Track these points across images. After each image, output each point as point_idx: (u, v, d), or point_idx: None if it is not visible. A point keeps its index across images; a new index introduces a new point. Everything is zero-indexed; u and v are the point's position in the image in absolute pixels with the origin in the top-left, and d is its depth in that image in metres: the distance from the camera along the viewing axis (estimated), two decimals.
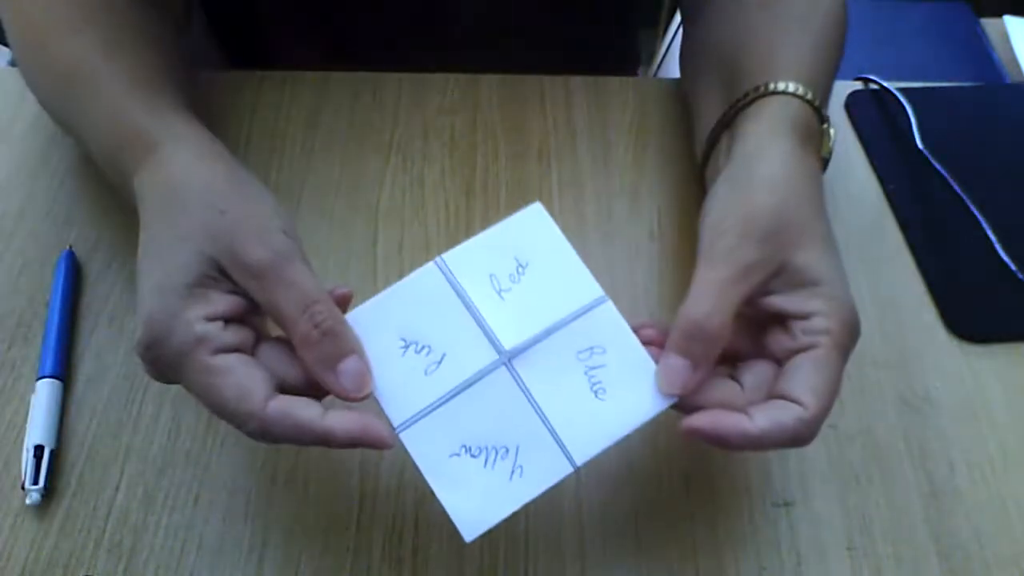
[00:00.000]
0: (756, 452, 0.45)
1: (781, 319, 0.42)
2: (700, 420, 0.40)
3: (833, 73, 0.56)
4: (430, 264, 0.42)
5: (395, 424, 0.40)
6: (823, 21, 0.55)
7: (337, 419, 0.39)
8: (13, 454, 0.47)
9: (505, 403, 0.40)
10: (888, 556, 0.46)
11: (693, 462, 0.49)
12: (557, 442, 0.40)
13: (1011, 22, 1.20)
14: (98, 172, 0.59)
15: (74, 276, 0.54)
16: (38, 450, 0.46)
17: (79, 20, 0.51)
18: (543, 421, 0.40)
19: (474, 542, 0.45)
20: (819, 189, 0.45)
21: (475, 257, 0.42)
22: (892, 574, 0.45)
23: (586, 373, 0.41)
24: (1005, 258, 0.57)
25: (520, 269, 0.43)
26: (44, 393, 0.48)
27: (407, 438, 0.40)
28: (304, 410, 0.39)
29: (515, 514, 0.46)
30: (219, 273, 0.40)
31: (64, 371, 0.50)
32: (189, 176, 0.43)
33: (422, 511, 0.46)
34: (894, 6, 1.24)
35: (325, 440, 0.39)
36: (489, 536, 0.46)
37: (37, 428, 0.47)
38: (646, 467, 0.48)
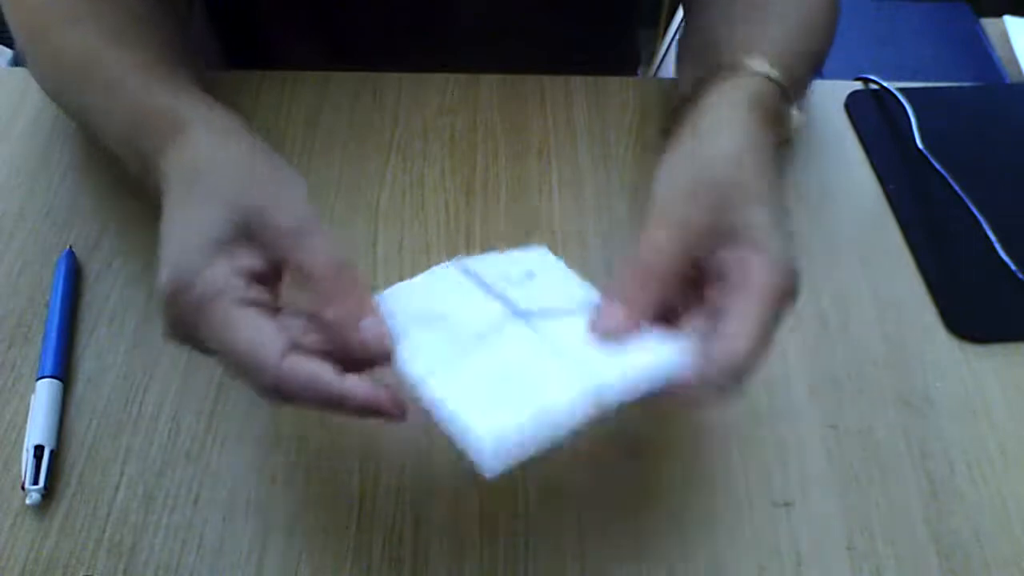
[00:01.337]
0: (698, 403, 0.45)
1: (721, 275, 0.42)
2: None
3: (814, 58, 0.57)
4: (447, 264, 0.44)
5: (418, 375, 0.40)
6: (808, 6, 0.56)
7: (355, 382, 0.38)
8: (13, 454, 0.47)
9: (525, 351, 0.40)
10: (888, 556, 0.46)
11: (693, 462, 0.49)
12: (581, 381, 0.39)
13: (1011, 22, 1.21)
14: (98, 171, 0.59)
15: (74, 276, 0.54)
16: (38, 450, 0.46)
17: (82, 10, 0.51)
18: (566, 364, 0.40)
19: (474, 542, 0.45)
20: (771, 162, 0.46)
21: (489, 262, 0.44)
22: (892, 574, 0.45)
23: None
24: (1005, 258, 0.57)
25: (530, 275, 0.44)
26: (44, 393, 0.48)
27: (434, 383, 0.39)
28: (322, 367, 0.38)
29: (515, 514, 0.46)
30: (246, 235, 0.41)
31: (64, 371, 0.50)
32: (216, 151, 0.44)
33: (422, 511, 0.46)
34: (894, 6, 1.24)
35: (340, 401, 0.38)
36: (489, 536, 0.46)
37: (37, 428, 0.47)
38: (646, 467, 0.48)
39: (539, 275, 0.45)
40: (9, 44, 0.99)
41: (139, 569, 0.44)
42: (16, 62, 0.94)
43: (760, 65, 0.50)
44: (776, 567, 0.45)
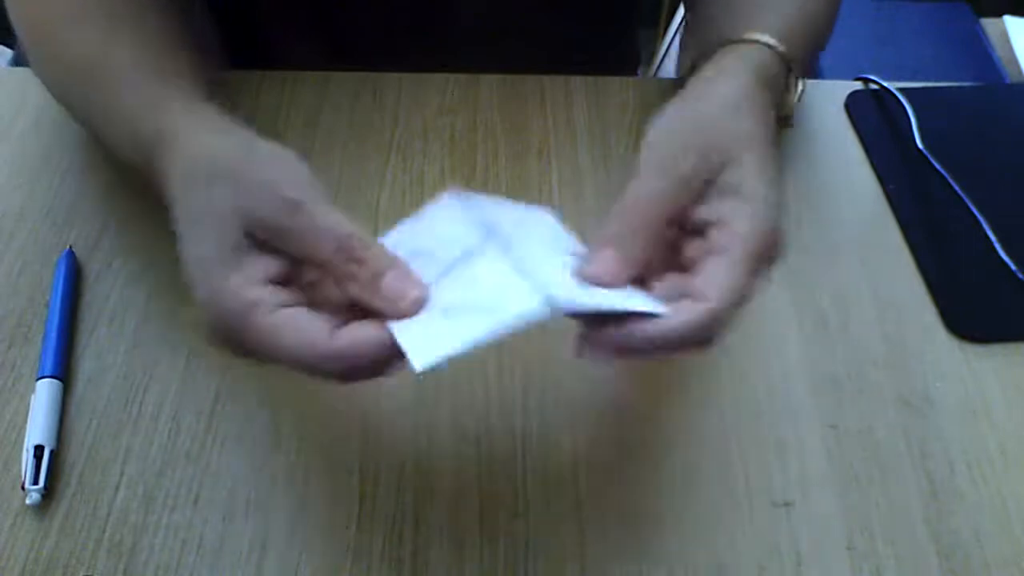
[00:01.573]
0: (668, 356, 0.42)
1: (702, 228, 0.42)
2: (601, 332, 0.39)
3: (816, 38, 0.58)
4: (449, 195, 0.43)
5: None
6: None
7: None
8: (13, 454, 0.47)
9: (488, 272, 0.40)
10: (888, 556, 0.46)
11: (693, 462, 0.49)
12: (530, 286, 0.39)
13: (1011, 22, 1.21)
14: (98, 171, 0.59)
15: (74, 276, 0.54)
16: (38, 450, 0.46)
17: (80, 11, 0.51)
18: (523, 276, 0.40)
19: (474, 542, 0.45)
20: (768, 120, 0.46)
21: (492, 202, 0.44)
22: (892, 574, 0.45)
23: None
24: (1005, 258, 0.57)
25: (524, 221, 0.44)
26: (44, 393, 0.48)
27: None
28: (369, 328, 0.38)
29: (515, 514, 0.46)
30: (251, 239, 0.41)
31: (64, 371, 0.50)
32: (206, 151, 0.43)
33: (422, 511, 0.46)
34: (894, 6, 1.24)
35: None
36: (489, 536, 0.46)
37: (37, 428, 0.47)
38: (646, 467, 0.48)
39: (534, 223, 0.44)
40: (9, 44, 0.99)
41: (139, 569, 0.44)
42: (16, 62, 0.94)
43: (762, 36, 0.51)
44: (776, 567, 0.45)
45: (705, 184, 0.42)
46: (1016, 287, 0.56)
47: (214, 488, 0.47)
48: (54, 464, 0.47)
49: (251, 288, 0.39)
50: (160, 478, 0.47)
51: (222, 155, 0.43)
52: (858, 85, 0.67)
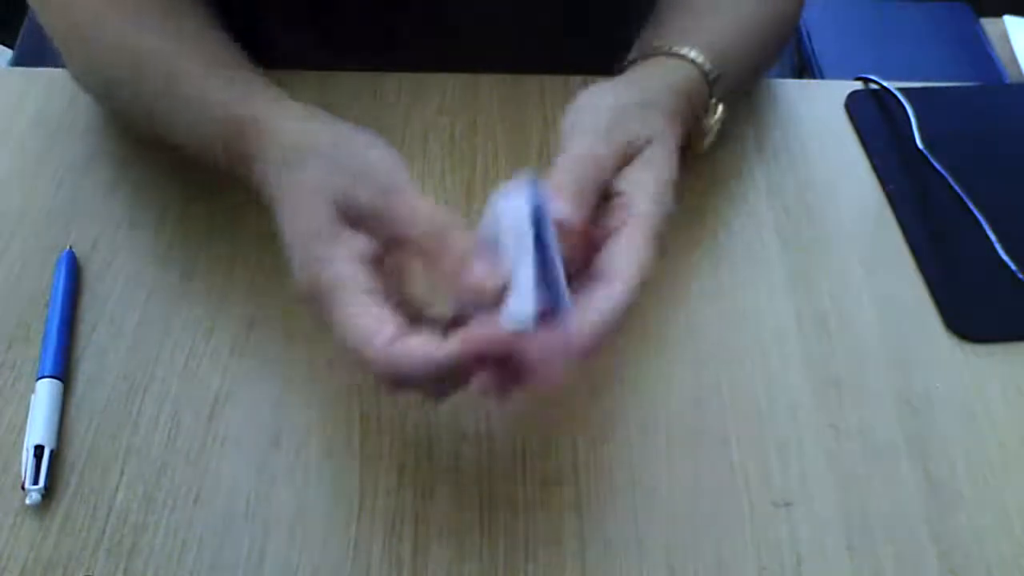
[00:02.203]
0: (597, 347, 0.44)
1: (614, 195, 0.46)
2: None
3: (750, 65, 0.60)
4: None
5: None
6: (762, 12, 0.60)
7: (453, 340, 0.39)
8: (13, 454, 0.47)
9: None
10: (888, 556, 0.46)
11: (693, 462, 0.49)
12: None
13: (1011, 22, 1.21)
14: (98, 171, 0.59)
15: (74, 276, 0.54)
16: (38, 450, 0.46)
17: (132, 4, 0.53)
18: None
19: (474, 542, 0.45)
20: (677, 127, 0.50)
21: None
22: (892, 574, 0.45)
23: None
24: (1005, 258, 0.57)
25: None
26: (44, 393, 0.48)
27: None
28: (428, 345, 0.40)
29: (515, 514, 0.46)
30: (346, 220, 0.43)
31: (64, 371, 0.50)
32: (303, 136, 0.46)
33: (422, 511, 0.46)
34: (894, 6, 1.24)
35: (450, 360, 0.39)
36: (489, 536, 0.46)
37: (37, 428, 0.47)
38: (646, 467, 0.48)
39: None
40: (9, 44, 0.99)
41: (139, 569, 0.44)
42: (17, 62, 0.93)
43: (691, 51, 0.53)
44: (776, 567, 0.45)
45: (632, 153, 0.46)
46: (1016, 287, 0.56)
47: (214, 488, 0.47)
48: (54, 464, 0.47)
49: (347, 264, 0.41)
50: (160, 478, 0.47)
51: (319, 139, 0.46)
52: (858, 85, 0.67)
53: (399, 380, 0.41)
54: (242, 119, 0.48)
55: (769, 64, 0.64)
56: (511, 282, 0.40)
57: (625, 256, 0.43)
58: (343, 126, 0.47)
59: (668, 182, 0.46)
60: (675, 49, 0.53)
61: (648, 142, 0.47)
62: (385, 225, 0.43)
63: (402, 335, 0.40)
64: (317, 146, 0.45)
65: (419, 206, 0.43)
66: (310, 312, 0.42)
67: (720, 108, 0.55)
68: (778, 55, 0.64)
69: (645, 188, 0.45)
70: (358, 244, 0.42)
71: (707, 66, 0.53)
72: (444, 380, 0.41)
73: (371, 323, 0.40)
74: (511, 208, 0.41)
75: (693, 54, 0.53)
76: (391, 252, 0.43)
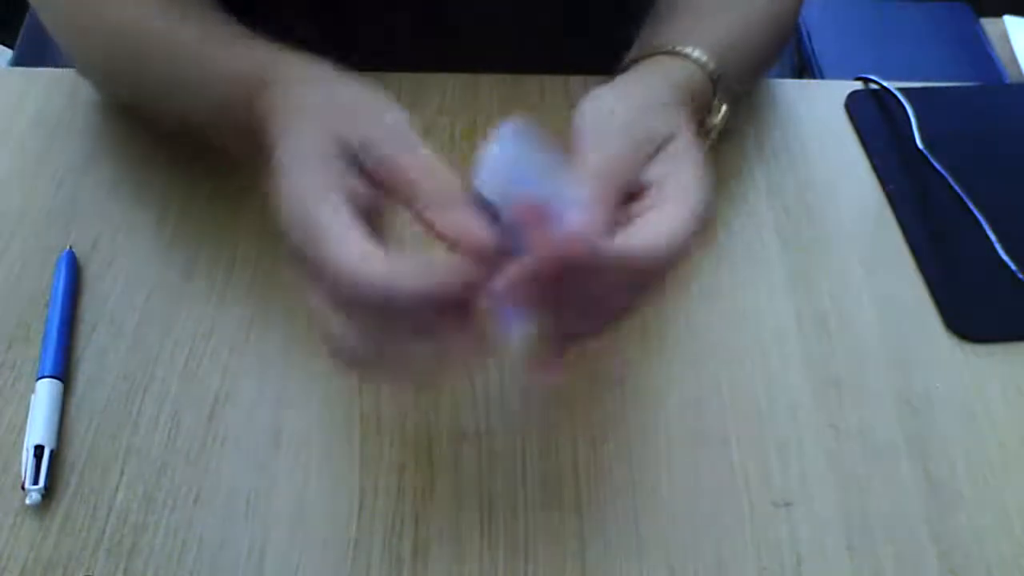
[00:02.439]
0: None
1: (645, 189, 0.44)
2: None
3: (752, 64, 0.59)
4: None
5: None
6: (763, 10, 0.59)
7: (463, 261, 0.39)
8: (13, 454, 0.47)
9: None
10: (888, 556, 0.46)
11: (693, 462, 0.49)
12: None
13: (1011, 22, 1.20)
14: (98, 171, 0.59)
15: (74, 276, 0.54)
16: (38, 450, 0.46)
17: None
18: None
19: (474, 542, 0.45)
20: (690, 124, 0.48)
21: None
22: (892, 574, 0.45)
23: None
24: (1005, 258, 0.57)
25: None
26: (44, 393, 0.48)
27: None
28: (425, 265, 0.39)
29: (515, 514, 0.46)
30: (349, 159, 0.41)
31: (64, 371, 0.50)
32: (307, 89, 0.45)
33: (422, 511, 0.46)
34: (894, 6, 1.24)
35: (449, 277, 0.38)
36: (489, 536, 0.46)
37: (37, 428, 0.47)
38: (646, 467, 0.48)
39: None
40: (9, 44, 0.99)
41: (139, 569, 0.44)
42: (17, 62, 0.93)
43: (693, 51, 0.52)
44: (776, 567, 0.45)
45: (654, 151, 0.44)
46: (1016, 287, 0.56)
47: (214, 488, 0.47)
48: (54, 464, 0.47)
49: (340, 194, 0.40)
50: (160, 478, 0.47)
51: (327, 73, 0.45)
52: (858, 85, 0.67)
53: (388, 310, 0.38)
54: (247, 72, 0.48)
55: (770, 63, 0.64)
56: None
57: (659, 224, 0.41)
58: (354, 78, 0.46)
59: (700, 169, 0.44)
60: (677, 48, 0.52)
61: (668, 139, 0.46)
62: (384, 164, 0.41)
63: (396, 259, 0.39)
64: (325, 78, 0.45)
65: (418, 148, 0.42)
66: (289, 255, 0.41)
67: (724, 108, 0.54)
68: (779, 54, 0.64)
69: (677, 177, 0.44)
70: (354, 183, 0.41)
71: (710, 65, 0.52)
72: (444, 314, 0.39)
73: (367, 246, 0.38)
74: (495, 156, 0.41)
75: (696, 53, 0.52)
76: (384, 200, 0.42)
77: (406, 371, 0.42)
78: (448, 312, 0.39)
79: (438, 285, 0.38)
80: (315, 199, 0.40)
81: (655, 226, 0.41)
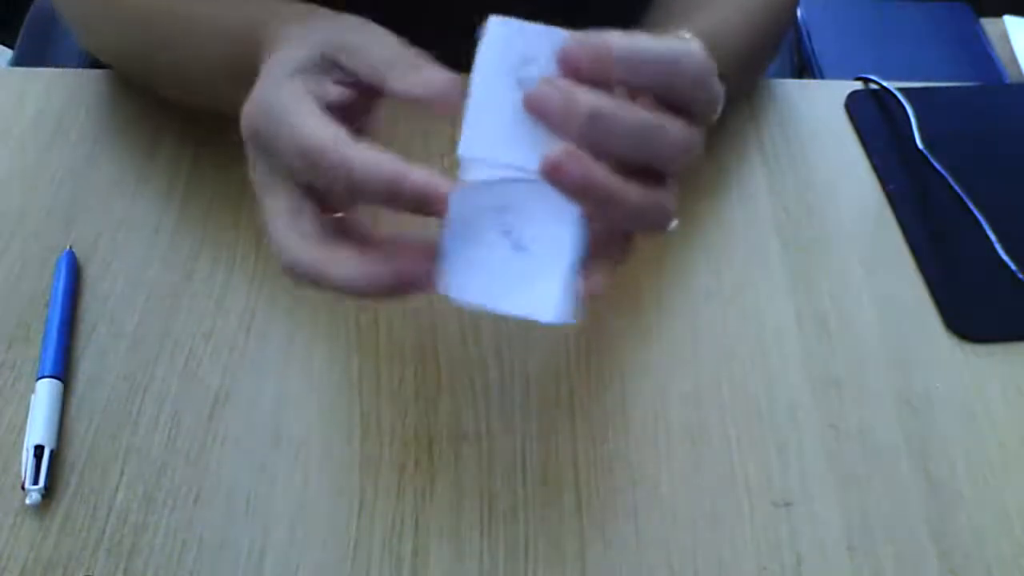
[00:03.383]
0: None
1: None
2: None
3: (749, 54, 0.59)
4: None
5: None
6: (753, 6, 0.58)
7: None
8: (13, 454, 0.47)
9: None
10: (888, 556, 0.46)
11: (693, 462, 0.49)
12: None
13: (1011, 22, 1.20)
14: (98, 171, 0.59)
15: (74, 276, 0.54)
16: (38, 450, 0.46)
17: None
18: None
19: (474, 542, 0.45)
20: None
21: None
22: (892, 574, 0.45)
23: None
24: (1005, 258, 0.57)
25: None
26: (44, 393, 0.48)
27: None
28: (397, 160, 0.39)
29: (515, 514, 0.46)
30: (327, 62, 0.42)
31: (64, 371, 0.50)
32: (300, 22, 0.45)
33: (422, 511, 0.46)
34: (894, 6, 1.24)
35: (400, 176, 0.38)
36: (489, 536, 0.46)
37: (37, 428, 0.47)
38: (646, 467, 0.48)
39: None
40: (9, 44, 0.99)
41: (139, 569, 0.44)
42: (17, 62, 0.93)
43: (683, 34, 0.50)
44: (776, 567, 0.45)
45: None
46: (1016, 287, 0.56)
47: (214, 488, 0.47)
48: (54, 464, 0.47)
49: (310, 90, 0.40)
50: (160, 478, 0.47)
51: (324, 17, 0.45)
52: (858, 85, 0.67)
53: (357, 186, 0.38)
54: (254, 21, 0.48)
55: (767, 54, 0.63)
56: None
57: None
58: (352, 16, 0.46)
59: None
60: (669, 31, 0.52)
61: None
62: (365, 59, 0.41)
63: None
64: (322, 13, 0.45)
65: (401, 47, 0.42)
66: (251, 162, 0.41)
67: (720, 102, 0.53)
68: (775, 47, 0.63)
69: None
70: (326, 86, 0.41)
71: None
72: (408, 199, 0.39)
73: (338, 129, 0.39)
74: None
75: (685, 35, 0.51)
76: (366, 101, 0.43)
77: (356, 285, 0.41)
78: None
79: (396, 175, 0.38)
80: (282, 90, 0.41)
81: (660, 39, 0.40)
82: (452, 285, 0.39)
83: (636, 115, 0.38)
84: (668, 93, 0.40)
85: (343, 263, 0.39)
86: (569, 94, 0.38)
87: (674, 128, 0.39)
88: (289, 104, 0.40)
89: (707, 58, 0.40)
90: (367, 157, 0.38)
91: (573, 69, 0.39)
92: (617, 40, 0.39)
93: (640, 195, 0.39)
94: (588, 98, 0.38)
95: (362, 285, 0.39)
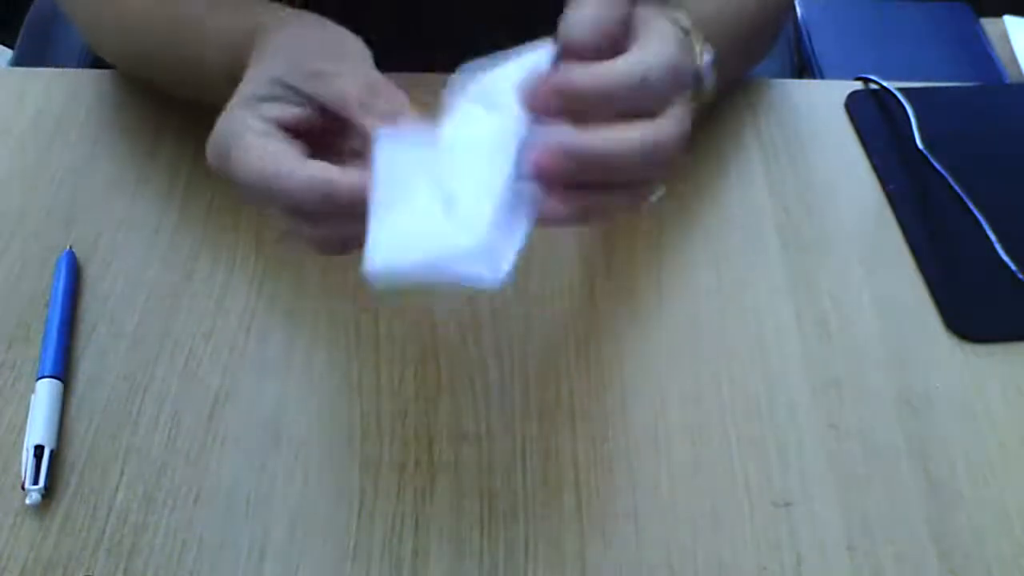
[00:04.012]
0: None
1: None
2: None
3: (748, 38, 0.59)
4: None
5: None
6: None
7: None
8: (13, 454, 0.47)
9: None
10: (888, 556, 0.46)
11: (693, 462, 0.49)
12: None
13: (1011, 22, 1.20)
14: (98, 171, 0.59)
15: (74, 276, 0.54)
16: (38, 450, 0.46)
17: None
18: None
19: (474, 542, 0.45)
20: None
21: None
22: (892, 574, 0.45)
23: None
24: (1005, 258, 0.57)
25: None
26: (44, 393, 0.48)
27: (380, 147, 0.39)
28: (333, 170, 0.39)
29: (515, 514, 0.46)
30: (285, 89, 0.42)
31: (64, 371, 0.50)
32: (281, 31, 0.46)
33: (422, 511, 0.46)
34: (894, 6, 1.24)
35: (330, 187, 0.39)
36: (489, 536, 0.46)
37: (37, 428, 0.47)
38: (646, 467, 0.48)
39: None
40: (9, 44, 0.99)
41: (139, 569, 0.44)
42: (17, 62, 0.93)
43: (675, 12, 0.49)
44: (776, 567, 0.45)
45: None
46: (1016, 287, 0.56)
47: (214, 488, 0.47)
48: (54, 464, 0.47)
49: (255, 119, 0.41)
50: (160, 478, 0.47)
51: (304, 27, 0.46)
52: (858, 85, 0.67)
53: (297, 209, 0.40)
54: (246, 29, 0.48)
55: (763, 38, 0.63)
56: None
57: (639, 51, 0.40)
58: (333, 25, 0.47)
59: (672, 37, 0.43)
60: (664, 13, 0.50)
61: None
62: (326, 84, 0.42)
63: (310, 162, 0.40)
64: (304, 21, 0.46)
65: (363, 68, 0.43)
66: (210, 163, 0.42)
67: (707, 53, 0.49)
68: (773, 35, 0.63)
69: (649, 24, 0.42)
70: (276, 109, 0.42)
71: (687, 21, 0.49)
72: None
73: (273, 151, 0.40)
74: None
75: (678, 15, 0.49)
76: (321, 124, 0.43)
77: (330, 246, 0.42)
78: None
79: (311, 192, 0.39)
80: (233, 122, 0.42)
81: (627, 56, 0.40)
82: (378, 258, 0.38)
83: (603, 147, 0.39)
84: (641, 106, 0.40)
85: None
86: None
87: (646, 139, 0.40)
88: (235, 134, 0.41)
89: (675, 56, 0.41)
90: (299, 180, 0.39)
91: (542, 108, 0.39)
92: (579, 78, 0.39)
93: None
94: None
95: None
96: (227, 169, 0.42)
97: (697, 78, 0.49)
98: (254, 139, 0.41)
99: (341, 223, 0.40)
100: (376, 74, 0.42)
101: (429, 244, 0.38)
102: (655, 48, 0.40)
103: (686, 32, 0.50)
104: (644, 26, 0.42)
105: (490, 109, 0.40)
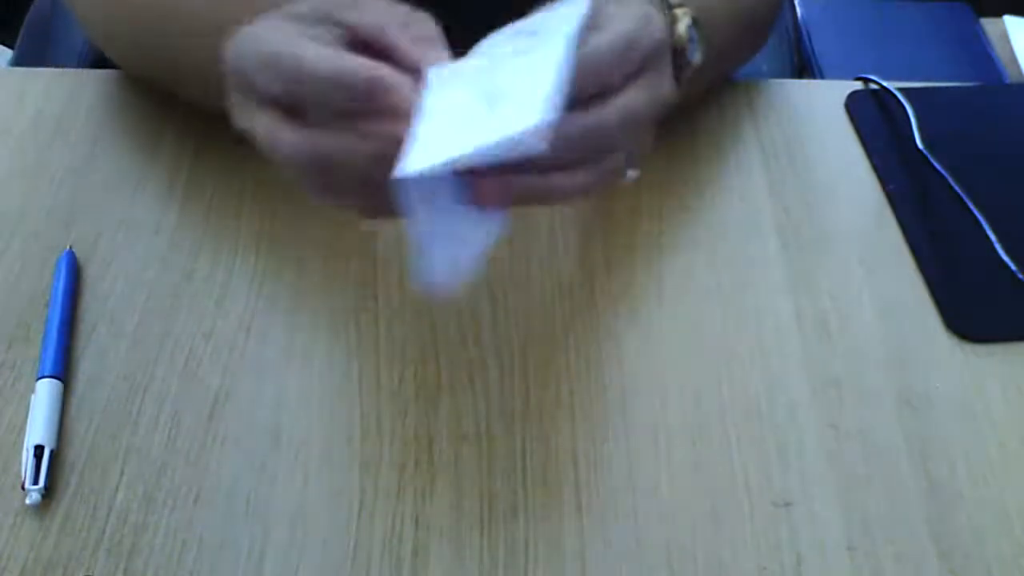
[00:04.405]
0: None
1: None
2: None
3: (740, 31, 0.60)
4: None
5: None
6: None
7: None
8: (13, 454, 0.47)
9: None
10: (888, 556, 0.46)
11: (693, 462, 0.49)
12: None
13: (1011, 22, 1.20)
14: (98, 171, 0.59)
15: (74, 276, 0.54)
16: (38, 450, 0.46)
17: None
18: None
19: (474, 542, 0.45)
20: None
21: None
22: (892, 574, 0.45)
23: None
24: (1005, 258, 0.57)
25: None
26: (44, 393, 0.48)
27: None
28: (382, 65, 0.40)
29: (515, 514, 0.46)
30: (321, 19, 0.42)
31: (64, 371, 0.50)
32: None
33: (422, 511, 0.46)
34: (894, 6, 1.24)
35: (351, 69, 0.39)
36: (489, 536, 0.46)
37: (37, 428, 0.47)
38: (646, 467, 0.48)
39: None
40: (9, 44, 0.99)
41: (139, 569, 0.44)
42: (17, 62, 0.93)
43: None
44: (776, 567, 0.45)
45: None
46: (1016, 287, 0.56)
47: (214, 488, 0.47)
48: (54, 464, 0.47)
49: (291, 24, 0.41)
50: (160, 478, 0.47)
51: None
52: (858, 85, 0.67)
53: (342, 96, 0.39)
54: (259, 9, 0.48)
55: (755, 30, 0.63)
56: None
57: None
58: None
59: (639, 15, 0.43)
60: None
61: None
62: (358, 11, 0.42)
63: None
64: None
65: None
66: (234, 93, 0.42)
67: (687, 18, 0.49)
68: (766, 25, 0.63)
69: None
70: (318, 31, 0.42)
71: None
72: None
73: (314, 43, 0.40)
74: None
75: (679, 9, 0.49)
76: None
77: (351, 193, 0.42)
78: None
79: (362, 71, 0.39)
80: (268, 27, 0.42)
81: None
82: (419, 155, 0.37)
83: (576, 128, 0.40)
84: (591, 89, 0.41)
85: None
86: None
87: (619, 117, 0.41)
88: (268, 35, 0.41)
89: (629, 32, 0.41)
90: (319, 51, 0.39)
91: None
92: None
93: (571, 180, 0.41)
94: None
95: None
96: (243, 60, 0.41)
97: (678, 51, 0.49)
98: (290, 35, 0.40)
99: (378, 122, 0.39)
100: (405, 7, 0.43)
101: (472, 128, 0.38)
102: (605, 34, 0.41)
103: (669, 6, 0.49)
104: (604, 13, 0.43)
105: (531, 35, 0.41)
